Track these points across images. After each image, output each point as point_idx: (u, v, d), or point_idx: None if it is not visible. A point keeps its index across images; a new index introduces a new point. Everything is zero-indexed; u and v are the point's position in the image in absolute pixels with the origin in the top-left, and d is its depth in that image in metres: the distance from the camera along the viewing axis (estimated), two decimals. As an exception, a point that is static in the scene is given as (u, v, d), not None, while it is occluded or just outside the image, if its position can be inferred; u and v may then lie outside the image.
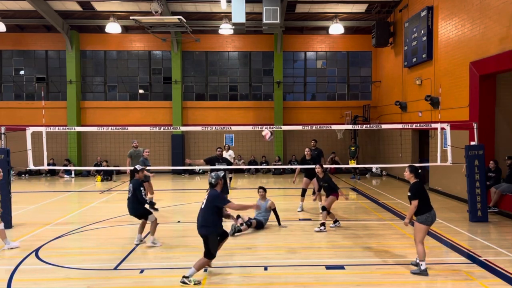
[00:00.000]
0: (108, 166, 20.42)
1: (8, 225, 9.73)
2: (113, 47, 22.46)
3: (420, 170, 7.16)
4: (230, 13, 16.49)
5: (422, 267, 6.82)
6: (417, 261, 6.96)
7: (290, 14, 20.32)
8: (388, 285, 6.47)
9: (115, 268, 7.27)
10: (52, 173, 21.47)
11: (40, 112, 17.20)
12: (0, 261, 7.70)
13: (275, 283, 6.60)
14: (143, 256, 7.95)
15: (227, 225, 8.98)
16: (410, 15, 17.26)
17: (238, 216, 9.71)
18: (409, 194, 6.95)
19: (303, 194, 12.26)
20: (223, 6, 17.34)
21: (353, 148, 20.10)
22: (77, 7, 19.79)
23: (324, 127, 12.83)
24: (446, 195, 14.36)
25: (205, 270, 7.10)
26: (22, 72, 22.65)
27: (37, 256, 7.97)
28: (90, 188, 17.36)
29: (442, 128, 11.74)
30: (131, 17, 17.84)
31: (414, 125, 13.90)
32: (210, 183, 6.81)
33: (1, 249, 8.26)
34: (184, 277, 6.47)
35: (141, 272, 7.09)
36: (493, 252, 8.06)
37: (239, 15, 16.03)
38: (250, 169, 21.59)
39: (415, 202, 6.85)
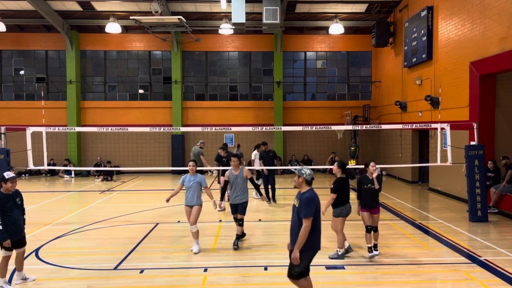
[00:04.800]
0: (111, 166, 20.44)
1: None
2: (113, 47, 22.45)
3: (347, 167, 7.85)
4: (230, 13, 16.49)
5: (340, 253, 7.67)
6: (338, 250, 7.70)
7: (290, 14, 20.32)
8: (388, 285, 6.47)
9: (115, 268, 7.27)
10: (52, 173, 21.47)
11: (40, 112, 17.21)
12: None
13: (275, 283, 6.60)
14: (143, 256, 7.95)
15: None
16: (410, 15, 17.26)
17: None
18: (332, 186, 7.62)
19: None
20: (223, 6, 17.34)
21: (352, 148, 20.10)
22: (77, 7, 19.79)
23: (324, 127, 12.82)
24: (446, 195, 14.36)
25: (205, 270, 7.10)
26: (22, 72, 22.64)
27: (37, 256, 7.97)
28: (90, 188, 17.36)
29: (442, 128, 11.74)
30: (131, 17, 17.82)
31: (414, 125, 13.89)
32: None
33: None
34: None
35: (141, 272, 7.09)
36: (493, 252, 8.06)
37: (239, 15, 16.03)
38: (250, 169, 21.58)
39: (333, 195, 7.52)
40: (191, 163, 8.35)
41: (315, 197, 5.11)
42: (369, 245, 7.63)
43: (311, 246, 5.08)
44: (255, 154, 14.32)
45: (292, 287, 6.43)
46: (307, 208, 4.99)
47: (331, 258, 7.63)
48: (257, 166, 13.73)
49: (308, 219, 4.95)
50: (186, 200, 8.26)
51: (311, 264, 7.35)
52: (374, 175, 7.62)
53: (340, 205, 7.58)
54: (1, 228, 6.13)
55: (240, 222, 8.46)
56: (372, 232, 7.65)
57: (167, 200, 8.44)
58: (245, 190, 8.49)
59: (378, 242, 7.74)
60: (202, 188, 8.27)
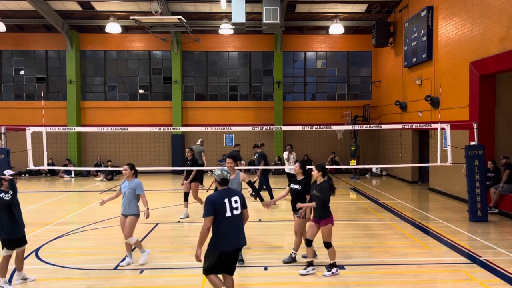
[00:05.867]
0: (112, 166, 20.45)
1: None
2: (113, 47, 22.46)
3: (307, 167, 7.51)
4: (230, 13, 16.49)
5: (294, 255, 7.48)
6: (293, 255, 7.49)
7: (290, 14, 20.32)
8: (388, 285, 6.47)
9: (115, 268, 7.27)
10: (52, 173, 21.47)
11: (40, 112, 17.20)
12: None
13: (275, 283, 6.60)
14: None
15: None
16: (410, 15, 17.26)
17: None
18: (299, 187, 7.26)
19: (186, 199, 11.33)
20: (223, 6, 17.35)
21: (353, 148, 20.10)
22: (77, 7, 19.79)
23: (324, 127, 12.82)
24: (446, 195, 14.37)
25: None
26: (22, 72, 22.65)
27: (37, 256, 7.97)
28: (90, 188, 17.36)
29: (442, 128, 11.74)
30: (131, 17, 17.83)
31: (414, 125, 13.90)
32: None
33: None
34: None
35: (141, 272, 7.09)
36: (493, 252, 8.07)
37: (239, 15, 16.03)
38: (250, 169, 21.58)
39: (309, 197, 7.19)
40: (125, 167, 7.40)
41: (216, 198, 5.16)
42: (309, 260, 6.94)
43: (215, 245, 5.17)
44: (287, 155, 14.11)
45: (294, 287, 6.46)
46: (204, 208, 5.15)
47: (304, 256, 7.40)
48: (292, 166, 13.13)
49: (205, 218, 5.09)
50: (121, 208, 7.40)
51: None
52: (318, 180, 6.89)
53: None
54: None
55: None
56: (312, 246, 6.95)
57: (102, 203, 7.51)
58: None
59: (378, 242, 7.69)
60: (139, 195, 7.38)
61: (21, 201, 6.72)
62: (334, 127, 15.77)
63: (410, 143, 17.82)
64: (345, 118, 21.48)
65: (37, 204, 13.35)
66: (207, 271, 5.27)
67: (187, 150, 11.76)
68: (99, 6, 19.64)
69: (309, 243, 6.92)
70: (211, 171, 21.13)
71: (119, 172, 21.40)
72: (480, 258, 7.65)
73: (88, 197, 15.16)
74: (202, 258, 5.25)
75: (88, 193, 16.15)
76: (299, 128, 12.80)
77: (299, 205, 6.95)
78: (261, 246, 8.62)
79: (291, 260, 7.43)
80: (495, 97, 12.43)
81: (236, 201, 5.26)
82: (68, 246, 8.72)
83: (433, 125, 12.37)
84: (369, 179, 19.65)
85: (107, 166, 20.48)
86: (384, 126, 13.64)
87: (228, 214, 5.16)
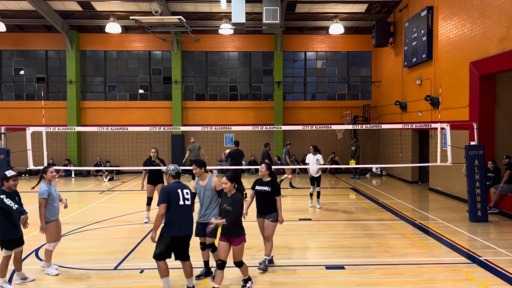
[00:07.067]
0: (111, 166, 20.47)
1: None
2: (113, 47, 22.46)
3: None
4: (230, 13, 16.50)
5: (268, 262, 7.18)
6: (267, 258, 7.15)
7: (290, 14, 20.33)
8: (388, 285, 6.47)
9: (115, 268, 7.27)
10: (52, 173, 21.44)
11: (40, 112, 17.21)
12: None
13: (275, 283, 6.60)
14: (143, 256, 7.94)
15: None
16: (410, 15, 17.27)
17: None
18: (269, 189, 6.93)
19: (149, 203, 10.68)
20: (223, 6, 17.35)
21: (353, 148, 20.09)
22: (77, 7, 19.79)
23: (324, 127, 12.80)
24: (446, 195, 14.37)
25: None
26: (22, 72, 22.65)
27: (37, 256, 7.98)
28: (90, 188, 17.36)
29: (442, 128, 11.73)
30: (131, 17, 17.83)
31: (414, 125, 13.90)
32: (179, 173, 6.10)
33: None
34: None
35: (141, 272, 7.09)
36: (493, 252, 8.07)
37: (239, 15, 16.04)
38: (250, 169, 21.60)
39: (281, 197, 7.09)
40: (51, 169, 7.30)
41: (171, 188, 5.87)
42: (216, 286, 5.86)
43: (167, 231, 5.80)
44: (310, 157, 13.47)
45: (294, 287, 6.46)
46: (159, 196, 5.84)
47: (259, 269, 6.97)
48: (313, 168, 12.35)
49: (160, 206, 5.75)
50: (56, 213, 7.34)
51: (309, 263, 7.41)
52: (230, 193, 5.95)
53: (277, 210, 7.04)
54: (14, 207, 6.27)
55: (211, 249, 6.67)
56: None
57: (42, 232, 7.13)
58: (216, 207, 6.41)
59: (378, 242, 7.67)
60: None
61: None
62: (334, 127, 15.74)
63: (410, 143, 17.82)
64: (345, 118, 21.48)
65: (37, 204, 13.31)
66: (158, 255, 5.81)
67: (152, 150, 10.93)
68: (99, 6, 19.64)
69: (222, 265, 5.88)
70: (211, 170, 21.13)
71: (119, 172, 21.44)
72: (480, 258, 7.65)
73: (88, 197, 15.15)
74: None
75: (88, 193, 16.14)
76: (299, 127, 12.77)
77: (212, 220, 5.91)
78: (261, 246, 8.60)
79: (264, 267, 7.02)
80: (495, 97, 12.43)
81: (187, 193, 5.93)
82: (68, 246, 8.72)
83: (433, 125, 12.36)
84: (369, 179, 19.65)
85: (107, 167, 20.50)
86: (384, 126, 13.64)
87: (181, 202, 5.83)
